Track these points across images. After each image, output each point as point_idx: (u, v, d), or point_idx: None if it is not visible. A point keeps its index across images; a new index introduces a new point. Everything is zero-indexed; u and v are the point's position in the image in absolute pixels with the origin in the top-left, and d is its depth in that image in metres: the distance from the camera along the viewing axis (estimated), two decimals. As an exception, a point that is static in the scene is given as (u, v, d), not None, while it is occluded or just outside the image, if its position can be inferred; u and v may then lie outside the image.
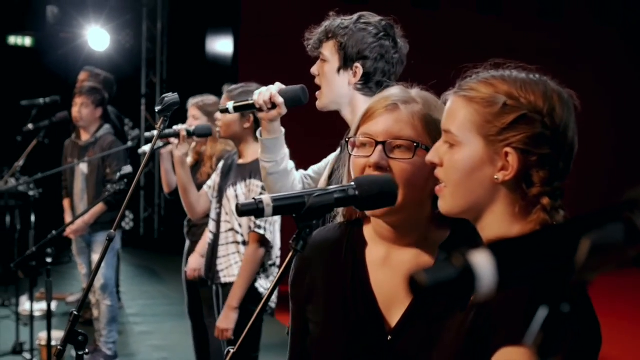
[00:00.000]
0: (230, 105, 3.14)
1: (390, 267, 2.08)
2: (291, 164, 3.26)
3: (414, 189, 1.99)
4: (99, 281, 6.70)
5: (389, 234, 2.07)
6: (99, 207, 6.58)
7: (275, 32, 9.58)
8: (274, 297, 4.63)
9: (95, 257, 6.72)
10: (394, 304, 2.04)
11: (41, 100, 7.68)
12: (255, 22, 9.98)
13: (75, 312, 2.86)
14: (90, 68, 8.52)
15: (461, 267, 0.84)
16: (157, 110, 3.07)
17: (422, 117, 2.03)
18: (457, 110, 1.77)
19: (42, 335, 6.64)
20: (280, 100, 3.04)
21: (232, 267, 4.60)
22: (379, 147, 2.01)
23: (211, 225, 4.74)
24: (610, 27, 12.30)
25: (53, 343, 6.63)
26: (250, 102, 3.09)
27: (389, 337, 2.03)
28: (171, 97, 3.09)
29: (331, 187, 1.73)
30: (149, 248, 12.82)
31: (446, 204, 1.79)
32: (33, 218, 6.57)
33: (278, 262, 4.62)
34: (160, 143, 4.75)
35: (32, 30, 13.02)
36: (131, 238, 13.04)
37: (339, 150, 3.33)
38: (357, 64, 3.01)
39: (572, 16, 12.04)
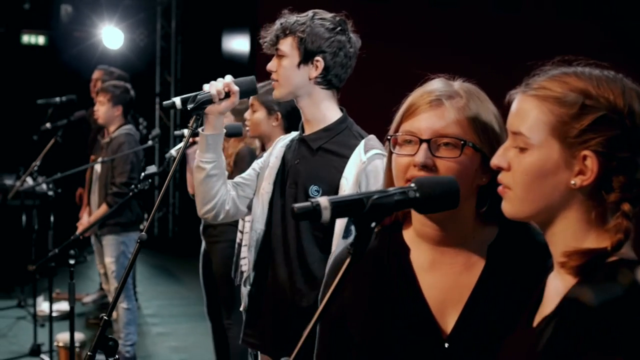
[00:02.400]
0: (177, 100, 3.07)
1: (439, 270, 1.98)
2: None
3: (462, 186, 1.85)
4: (112, 284, 6.64)
5: (434, 234, 1.97)
6: (102, 209, 6.52)
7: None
8: None
9: (107, 260, 6.62)
10: (446, 308, 1.95)
11: (57, 99, 7.61)
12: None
13: (106, 317, 2.77)
14: (104, 66, 8.48)
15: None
16: (189, 108, 2.97)
17: (467, 112, 1.93)
18: (527, 111, 1.65)
19: (60, 337, 6.58)
20: (235, 88, 3.07)
21: None
22: (424, 146, 1.91)
23: (241, 225, 4.65)
24: None
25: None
26: (200, 94, 3.05)
27: (446, 345, 1.93)
28: (204, 94, 3.00)
29: (391, 188, 1.63)
30: (163, 248, 12.73)
31: (513, 208, 1.68)
32: (52, 218, 6.49)
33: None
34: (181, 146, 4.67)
35: (46, 29, 12.98)
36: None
37: (265, 154, 3.39)
38: (318, 58, 3.09)
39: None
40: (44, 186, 7.13)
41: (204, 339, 7.37)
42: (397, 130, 1.99)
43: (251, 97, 4.53)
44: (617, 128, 1.57)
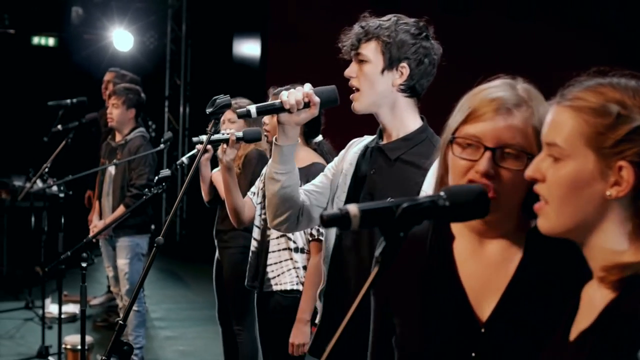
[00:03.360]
0: (252, 108, 2.89)
1: (479, 259, 1.99)
2: None
3: (517, 194, 1.89)
4: (124, 287, 6.63)
5: (480, 227, 1.98)
6: (120, 211, 6.51)
7: (304, 35, 9.49)
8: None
9: (120, 262, 6.62)
10: (484, 296, 1.95)
11: (68, 101, 7.60)
12: (283, 25, 9.89)
13: (121, 322, 2.75)
14: (115, 69, 8.47)
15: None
16: (208, 112, 2.94)
17: (533, 122, 1.91)
18: (563, 122, 1.64)
19: (69, 339, 6.56)
20: (317, 99, 2.88)
21: (284, 274, 4.46)
22: (488, 154, 1.89)
23: (255, 232, 4.60)
24: None
25: (79, 347, 6.59)
26: (277, 103, 2.88)
27: (483, 330, 1.93)
28: (223, 98, 2.96)
29: (420, 196, 1.60)
30: (170, 251, 12.70)
31: (549, 223, 1.66)
32: (62, 220, 6.48)
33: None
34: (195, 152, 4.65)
35: (56, 31, 13.00)
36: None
37: (337, 158, 3.22)
38: (404, 64, 2.94)
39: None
40: (55, 188, 7.11)
41: (211, 343, 7.37)
42: (457, 131, 1.96)
43: (270, 99, 4.48)
44: None
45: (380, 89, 2.95)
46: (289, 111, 2.86)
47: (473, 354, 1.93)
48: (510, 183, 1.88)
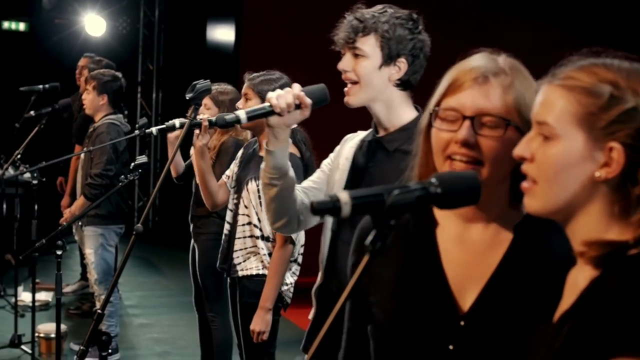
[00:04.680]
0: (242, 114, 2.81)
1: (464, 245, 1.95)
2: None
3: (500, 167, 1.85)
4: (93, 276, 6.57)
5: (466, 210, 1.93)
6: (80, 200, 6.46)
7: (278, 21, 9.43)
8: (289, 292, 4.49)
9: (87, 252, 6.57)
10: (467, 285, 1.91)
11: (40, 87, 7.49)
12: (258, 10, 9.80)
13: (99, 311, 2.71)
14: (90, 54, 8.37)
15: None
16: (187, 98, 2.89)
17: (512, 91, 1.88)
18: (554, 100, 1.61)
19: (42, 328, 6.51)
20: (309, 101, 2.78)
21: (249, 260, 4.48)
22: (467, 123, 1.86)
23: (228, 216, 4.62)
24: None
25: (53, 335, 6.54)
26: (267, 107, 2.77)
27: (462, 322, 1.89)
28: (203, 83, 2.91)
29: (412, 183, 1.57)
30: (143, 238, 12.50)
31: (536, 203, 1.64)
32: (35, 207, 6.42)
33: (300, 259, 4.48)
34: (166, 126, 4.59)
35: (27, 16, 12.84)
36: (125, 228, 12.88)
37: (332, 154, 3.17)
38: (402, 59, 2.90)
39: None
40: (27, 175, 7.03)
41: (186, 330, 7.35)
42: (438, 105, 1.94)
43: (245, 86, 4.45)
44: None
45: (377, 84, 2.91)
46: (280, 114, 2.77)
47: (451, 347, 1.89)
48: (492, 152, 1.85)
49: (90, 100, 6.61)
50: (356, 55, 2.90)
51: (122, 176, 4.38)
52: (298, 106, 2.78)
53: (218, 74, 8.49)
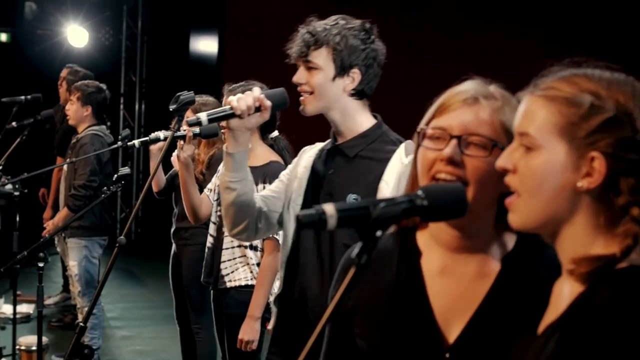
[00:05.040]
0: (203, 116, 2.81)
1: (450, 277, 1.93)
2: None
3: (485, 189, 1.84)
4: (76, 288, 6.54)
5: (451, 239, 1.92)
6: (64, 212, 6.44)
7: (261, 33, 9.43)
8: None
9: (70, 264, 6.54)
10: (453, 317, 1.89)
11: (22, 98, 7.43)
12: (241, 22, 9.81)
13: (82, 324, 2.68)
14: (71, 65, 8.34)
15: None
16: (171, 109, 2.87)
17: (501, 115, 1.88)
18: (535, 111, 1.61)
19: (23, 340, 6.45)
20: (268, 103, 2.84)
21: (238, 271, 4.46)
22: (454, 141, 1.86)
23: (211, 229, 4.59)
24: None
25: (34, 348, 6.48)
26: (228, 109, 2.82)
27: (447, 355, 1.87)
28: (186, 95, 2.89)
29: (399, 196, 1.56)
30: (125, 250, 12.46)
31: (520, 217, 1.63)
32: (17, 219, 6.35)
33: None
34: (149, 139, 4.58)
35: (9, 26, 12.78)
36: (108, 240, 12.82)
37: (290, 165, 3.21)
38: (355, 70, 2.95)
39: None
40: (9, 186, 6.97)
41: (169, 343, 7.30)
42: (427, 124, 1.94)
43: (225, 97, 4.43)
44: (626, 130, 1.53)
45: (331, 95, 2.95)
46: (240, 117, 2.81)
47: None
48: (477, 172, 1.84)
49: (74, 110, 6.59)
50: (309, 68, 2.95)
51: (105, 188, 4.35)
52: (258, 109, 2.83)
53: (201, 86, 8.46)
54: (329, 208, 1.49)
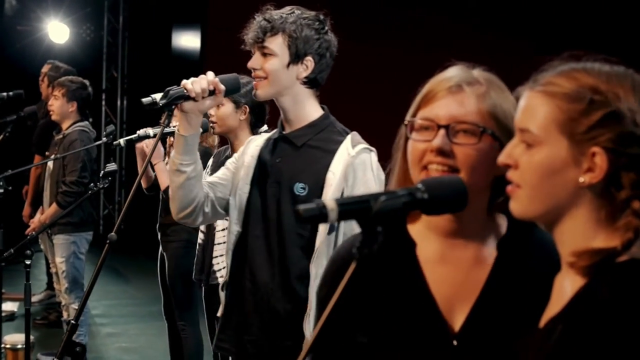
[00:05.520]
0: (157, 97, 2.93)
1: (448, 264, 1.91)
2: None
3: (478, 176, 1.82)
4: (63, 285, 6.51)
5: (446, 226, 1.90)
6: (53, 208, 6.39)
7: (244, 27, 9.38)
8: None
9: (57, 260, 6.51)
10: (455, 304, 1.88)
11: (4, 94, 7.38)
12: (223, 18, 9.77)
13: (73, 322, 2.67)
14: (52, 61, 8.28)
15: None
16: (161, 104, 2.86)
17: (487, 100, 1.86)
18: (536, 107, 1.61)
19: (8, 338, 6.40)
20: (222, 87, 2.93)
21: None
22: (442, 131, 1.84)
23: (202, 225, 4.56)
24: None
25: (19, 346, 6.44)
26: (182, 91, 2.88)
27: (455, 342, 1.86)
28: (176, 89, 2.87)
29: (398, 190, 1.55)
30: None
31: (521, 207, 1.63)
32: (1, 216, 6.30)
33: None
34: (134, 137, 4.56)
35: (-11, 23, 12.71)
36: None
37: (237, 154, 3.25)
38: (309, 58, 3.03)
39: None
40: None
41: (155, 340, 7.28)
42: (414, 116, 1.92)
43: None
44: (626, 124, 1.53)
45: (285, 82, 3.03)
46: (194, 99, 2.88)
47: None
48: (468, 160, 1.83)
49: (59, 106, 6.55)
50: (265, 54, 3.02)
51: (92, 184, 4.33)
52: (212, 92, 2.91)
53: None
54: (330, 202, 1.47)
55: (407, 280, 1.92)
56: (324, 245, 2.93)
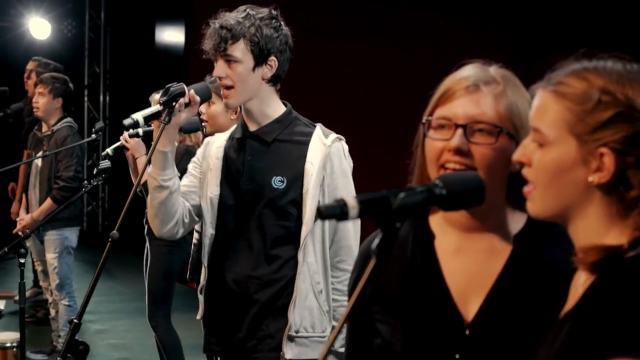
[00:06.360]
0: (138, 117, 2.98)
1: (464, 255, 1.94)
2: None
3: (494, 174, 1.85)
4: (54, 281, 6.51)
5: (464, 221, 1.93)
6: (47, 204, 6.36)
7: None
8: None
9: (49, 256, 6.52)
10: (469, 294, 1.91)
11: (-11, 91, 7.35)
12: (208, 12, 9.74)
13: (76, 320, 2.66)
14: (38, 58, 8.25)
15: None
16: (161, 102, 2.86)
17: (504, 99, 1.88)
18: (546, 107, 1.62)
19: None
20: (198, 98, 3.00)
21: None
22: (460, 131, 1.86)
23: (197, 225, 4.56)
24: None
25: (8, 345, 6.41)
26: (181, 88, 2.97)
27: (467, 332, 1.89)
28: (176, 87, 2.88)
29: (418, 186, 1.57)
30: (93, 243, 12.42)
31: (535, 207, 1.65)
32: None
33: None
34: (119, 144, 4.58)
35: (-31, 19, 12.63)
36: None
37: (195, 158, 3.28)
38: (272, 58, 3.07)
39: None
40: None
41: (143, 336, 7.25)
42: (431, 115, 1.93)
43: None
44: (636, 125, 1.54)
45: (252, 85, 3.07)
46: (183, 94, 2.96)
47: (457, 356, 1.89)
48: (485, 159, 1.85)
49: (45, 103, 6.53)
50: (229, 61, 3.04)
51: (86, 181, 4.32)
52: (187, 104, 2.98)
53: (168, 77, 8.37)
54: (351, 199, 1.49)
55: (423, 271, 1.96)
56: (311, 233, 3.03)
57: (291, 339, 3.05)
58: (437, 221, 2.01)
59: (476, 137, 1.86)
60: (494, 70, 1.95)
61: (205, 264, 3.21)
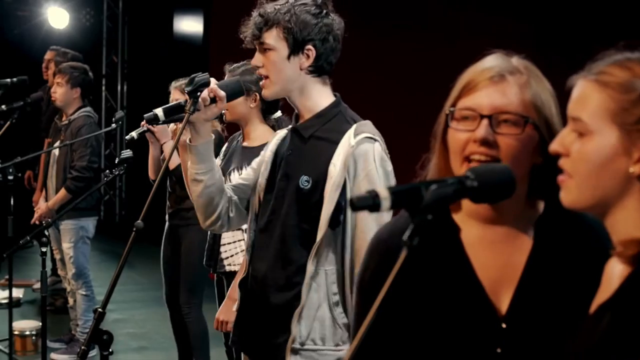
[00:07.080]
0: (159, 111, 2.95)
1: (490, 247, 1.92)
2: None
3: (520, 165, 1.83)
4: (70, 270, 6.53)
5: (486, 213, 1.92)
6: (62, 194, 6.39)
7: (248, 11, 9.35)
8: None
9: (65, 246, 6.54)
10: (500, 287, 1.89)
11: (8, 80, 7.35)
12: (226, 2, 9.73)
13: (100, 310, 2.67)
14: (57, 47, 8.25)
15: None
16: (186, 91, 2.85)
17: (528, 89, 1.86)
18: (588, 96, 1.61)
19: (17, 325, 6.42)
20: (222, 93, 2.93)
21: (238, 255, 4.44)
22: (485, 121, 1.84)
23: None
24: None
25: (27, 333, 6.46)
26: (183, 102, 2.93)
27: (503, 325, 1.87)
28: (202, 76, 2.87)
29: (449, 178, 1.56)
30: (110, 232, 12.49)
31: (571, 197, 1.63)
32: (12, 203, 6.29)
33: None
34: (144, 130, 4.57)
35: (-12, 8, 12.66)
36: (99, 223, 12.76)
37: (264, 150, 3.22)
38: (309, 46, 2.95)
39: None
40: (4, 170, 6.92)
41: (161, 325, 7.27)
42: (454, 106, 1.91)
43: (227, 76, 4.40)
44: None
45: (288, 75, 2.97)
46: (209, 84, 2.91)
47: (498, 350, 1.87)
48: (511, 150, 1.83)
49: (63, 93, 6.55)
50: (264, 50, 2.97)
51: (107, 171, 4.32)
52: (213, 100, 2.91)
53: (186, 67, 8.38)
54: (383, 191, 1.48)
55: (453, 264, 1.94)
56: (328, 240, 2.89)
57: (295, 351, 2.94)
58: (460, 214, 1.98)
59: (502, 128, 1.84)
60: (516, 60, 1.93)
61: (247, 258, 3.14)
